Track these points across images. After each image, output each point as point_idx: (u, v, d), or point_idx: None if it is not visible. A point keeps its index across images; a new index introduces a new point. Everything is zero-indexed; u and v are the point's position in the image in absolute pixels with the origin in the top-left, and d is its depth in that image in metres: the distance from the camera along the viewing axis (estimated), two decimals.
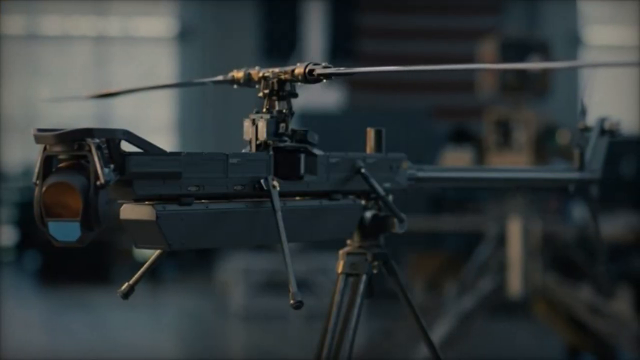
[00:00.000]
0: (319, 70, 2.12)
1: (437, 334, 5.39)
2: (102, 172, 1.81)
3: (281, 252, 2.03)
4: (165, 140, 13.11)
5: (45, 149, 1.85)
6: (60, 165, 1.85)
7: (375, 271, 2.33)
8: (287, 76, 2.15)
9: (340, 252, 2.35)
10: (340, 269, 2.34)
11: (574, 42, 13.77)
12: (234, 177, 2.03)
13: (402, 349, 5.71)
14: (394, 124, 8.57)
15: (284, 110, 2.15)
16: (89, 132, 1.82)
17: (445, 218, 8.42)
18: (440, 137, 7.49)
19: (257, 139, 2.13)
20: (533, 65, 2.40)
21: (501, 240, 5.79)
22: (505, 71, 5.83)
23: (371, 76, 11.56)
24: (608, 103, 12.50)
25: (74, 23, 13.13)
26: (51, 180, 1.83)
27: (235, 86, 2.26)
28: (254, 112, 2.15)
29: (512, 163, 5.60)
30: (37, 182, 1.85)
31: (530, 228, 5.74)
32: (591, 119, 2.66)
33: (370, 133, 2.34)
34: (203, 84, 2.42)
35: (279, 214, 2.03)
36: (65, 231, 1.84)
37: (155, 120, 13.43)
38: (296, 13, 12.04)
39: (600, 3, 14.28)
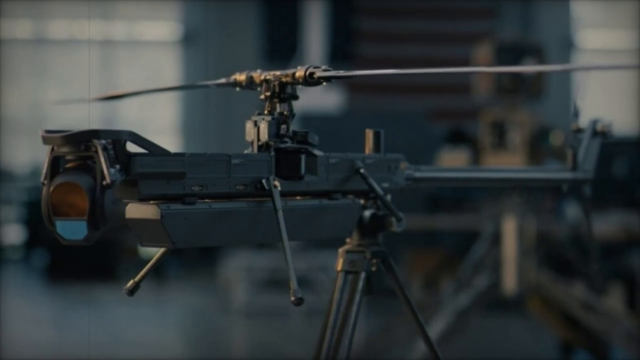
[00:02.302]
0: (319, 73, 2.14)
1: (434, 330, 5.40)
2: (108, 172, 1.83)
3: (282, 250, 2.04)
4: (170, 142, 13.10)
5: (52, 149, 1.87)
6: (68, 165, 1.87)
7: (374, 269, 2.35)
8: (288, 79, 2.16)
9: (340, 250, 2.37)
10: (339, 267, 2.36)
11: (567, 46, 13.78)
12: (237, 177, 2.05)
13: (400, 345, 5.75)
14: (392, 125, 8.59)
15: (285, 112, 2.16)
16: (95, 134, 1.84)
17: (442, 217, 8.46)
18: (437, 138, 7.49)
19: (258, 140, 2.14)
20: (527, 68, 2.43)
21: (496, 239, 5.79)
22: (500, 74, 5.85)
23: (370, 79, 11.55)
24: (600, 105, 12.53)
25: (80, 27, 13.13)
26: (59, 180, 1.85)
27: (237, 89, 2.28)
28: (256, 114, 2.17)
29: (507, 163, 5.59)
30: (45, 182, 1.87)
31: (525, 227, 5.74)
32: (584, 121, 2.68)
33: (369, 134, 2.36)
34: (206, 86, 2.43)
35: (280, 213, 2.05)
36: (72, 230, 1.86)
37: (159, 122, 13.43)
38: (297, 17, 12.06)
39: (593, 7, 14.30)
